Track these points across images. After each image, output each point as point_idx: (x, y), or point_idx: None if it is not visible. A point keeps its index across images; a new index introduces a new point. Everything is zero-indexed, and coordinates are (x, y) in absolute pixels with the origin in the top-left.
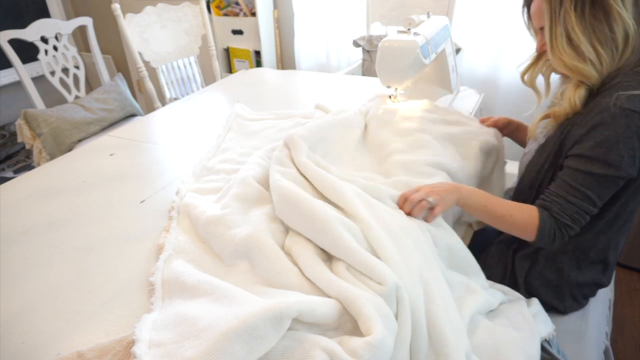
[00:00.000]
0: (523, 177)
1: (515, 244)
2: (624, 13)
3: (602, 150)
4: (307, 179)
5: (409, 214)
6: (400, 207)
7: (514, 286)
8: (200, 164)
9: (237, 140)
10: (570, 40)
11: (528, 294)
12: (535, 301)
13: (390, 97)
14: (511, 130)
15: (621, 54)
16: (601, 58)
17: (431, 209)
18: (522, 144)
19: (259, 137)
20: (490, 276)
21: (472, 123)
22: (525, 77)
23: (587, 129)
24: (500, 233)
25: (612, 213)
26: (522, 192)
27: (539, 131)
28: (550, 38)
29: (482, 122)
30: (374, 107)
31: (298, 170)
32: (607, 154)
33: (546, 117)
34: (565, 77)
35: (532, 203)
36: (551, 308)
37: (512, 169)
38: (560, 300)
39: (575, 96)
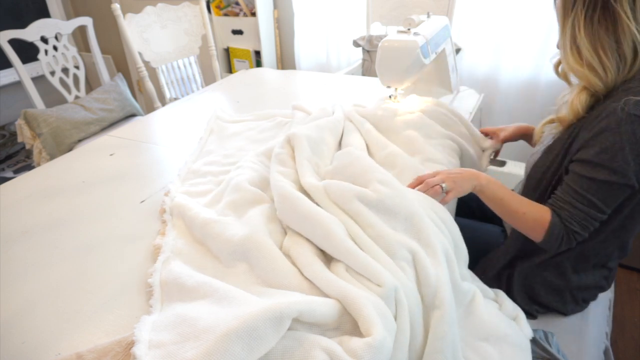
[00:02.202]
0: (529, 177)
1: (516, 251)
2: (633, 26)
3: (607, 156)
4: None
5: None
6: (413, 187)
7: (509, 291)
8: (185, 166)
9: (220, 143)
10: (575, 43)
11: (528, 297)
12: (499, 292)
13: (390, 97)
14: (519, 136)
15: (630, 67)
16: (605, 68)
17: (446, 192)
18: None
19: (241, 139)
20: (486, 281)
21: (471, 131)
22: (560, 70)
23: (593, 134)
24: (502, 243)
25: (618, 222)
26: (528, 193)
27: (545, 134)
28: (561, 37)
29: (492, 135)
30: (373, 107)
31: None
32: (612, 160)
33: (551, 121)
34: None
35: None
36: (553, 310)
37: (517, 169)
38: (562, 303)
39: (577, 101)
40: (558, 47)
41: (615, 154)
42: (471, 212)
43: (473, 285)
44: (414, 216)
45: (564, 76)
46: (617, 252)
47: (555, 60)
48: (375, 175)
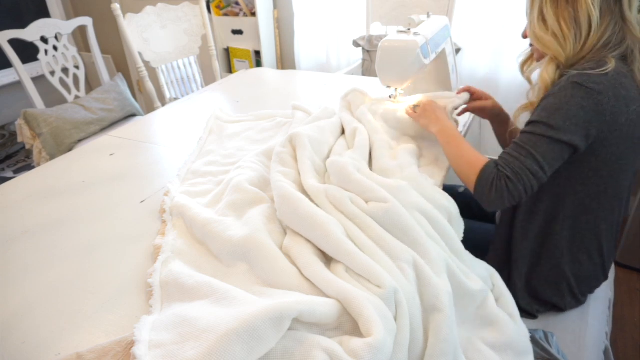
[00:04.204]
0: None
1: (509, 249)
2: (590, 1)
3: (546, 114)
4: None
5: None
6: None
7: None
8: (185, 167)
9: (219, 143)
10: (542, 13)
11: (528, 295)
12: (496, 276)
13: (390, 97)
14: (494, 115)
15: (584, 40)
16: (565, 36)
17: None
18: (500, 135)
19: (240, 139)
20: None
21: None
22: (525, 69)
23: (540, 101)
24: (492, 242)
25: (589, 197)
26: None
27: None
28: (530, 10)
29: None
30: (374, 106)
31: (299, 171)
32: (550, 117)
33: (526, 107)
34: (540, 58)
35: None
36: (552, 306)
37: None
38: (560, 297)
39: (545, 73)
40: (523, 35)
41: (554, 113)
42: (471, 212)
43: (485, 285)
44: (408, 230)
45: (527, 76)
46: (604, 236)
47: (521, 59)
48: (368, 196)
